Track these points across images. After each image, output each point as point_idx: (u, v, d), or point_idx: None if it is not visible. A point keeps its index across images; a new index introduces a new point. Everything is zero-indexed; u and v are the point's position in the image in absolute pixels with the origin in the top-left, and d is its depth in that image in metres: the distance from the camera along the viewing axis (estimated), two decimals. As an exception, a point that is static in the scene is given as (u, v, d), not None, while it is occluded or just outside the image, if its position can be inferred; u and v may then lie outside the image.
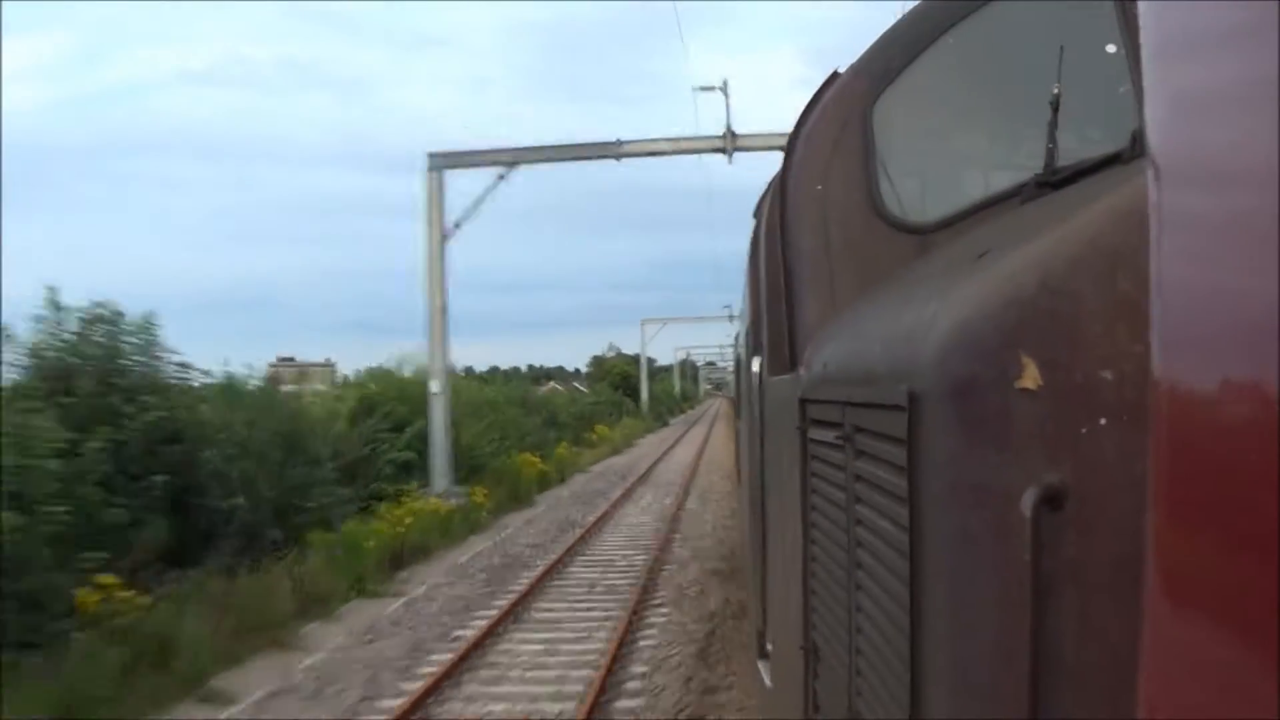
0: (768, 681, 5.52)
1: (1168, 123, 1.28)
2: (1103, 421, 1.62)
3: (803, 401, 3.41)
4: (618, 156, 27.32)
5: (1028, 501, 1.64)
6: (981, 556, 1.82)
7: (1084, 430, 1.64)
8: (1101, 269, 1.67)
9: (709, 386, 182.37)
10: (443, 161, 28.18)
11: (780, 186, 3.97)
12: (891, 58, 3.62)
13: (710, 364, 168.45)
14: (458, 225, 28.04)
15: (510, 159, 27.75)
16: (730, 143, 26.53)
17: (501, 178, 27.39)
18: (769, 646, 5.49)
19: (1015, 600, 1.68)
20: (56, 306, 16.83)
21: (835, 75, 3.96)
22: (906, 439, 2.08)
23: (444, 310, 28.51)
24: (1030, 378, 1.69)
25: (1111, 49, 2.66)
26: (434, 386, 28.27)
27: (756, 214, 5.58)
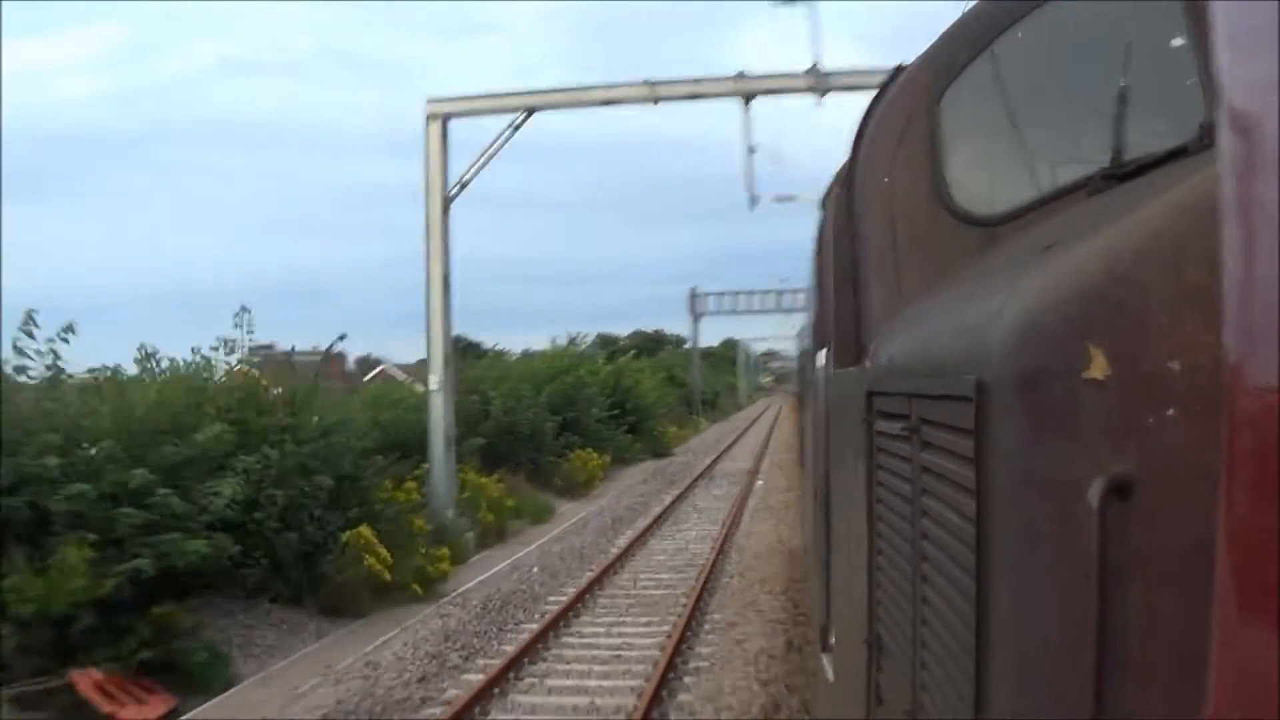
0: (830, 674, 5.53)
1: (1240, 112, 1.28)
2: (1170, 412, 1.61)
3: (869, 394, 3.42)
4: (655, 100, 22.91)
5: (1095, 492, 1.63)
6: (1048, 548, 1.82)
7: (1151, 421, 1.63)
8: (1168, 259, 1.67)
9: (768, 379, 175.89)
10: (446, 109, 23.57)
11: (847, 179, 3.98)
12: (958, 51, 3.61)
13: (770, 353, 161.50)
14: (463, 184, 23.46)
15: (526, 104, 23.27)
16: (820, 82, 22.06)
17: (516, 127, 23.08)
18: (831, 639, 5.50)
19: (1081, 593, 1.68)
20: None
21: (900, 69, 3.96)
22: (974, 430, 2.09)
23: (447, 284, 23.74)
24: (1098, 368, 1.69)
25: (1178, 41, 2.64)
26: (432, 381, 23.29)
27: (823, 206, 5.58)
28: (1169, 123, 2.68)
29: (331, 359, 28.96)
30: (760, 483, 34.93)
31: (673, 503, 30.10)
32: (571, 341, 51.32)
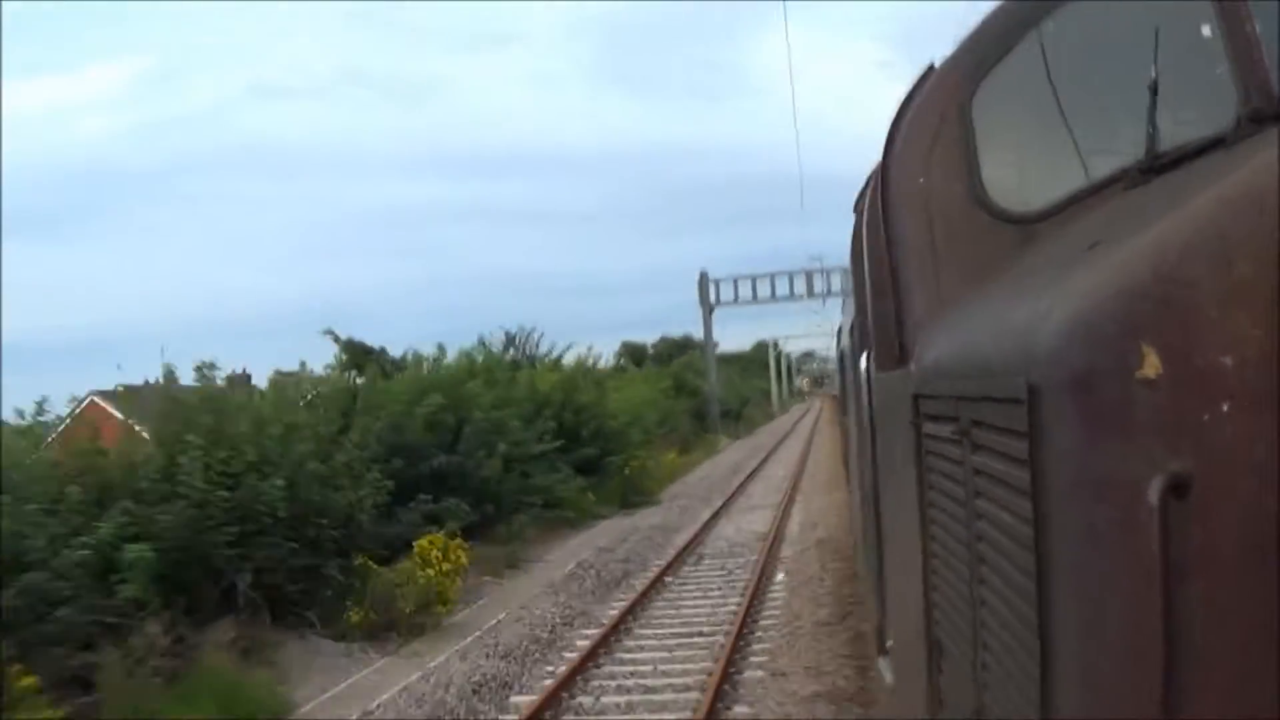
0: (888, 677, 5.51)
1: None
2: (1225, 407, 1.63)
3: (916, 396, 3.42)
4: None
5: (1154, 491, 1.64)
6: (1108, 548, 1.82)
7: (1206, 417, 1.64)
8: (1216, 254, 1.68)
9: (805, 381, 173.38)
10: None
11: (881, 180, 3.97)
12: (988, 47, 3.61)
13: (808, 354, 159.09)
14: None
15: None
16: None
17: None
18: (889, 643, 5.48)
19: (1145, 591, 1.68)
20: None
21: (931, 68, 3.96)
22: (1027, 432, 2.09)
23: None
24: (1150, 366, 1.70)
25: (1207, 31, 2.64)
26: None
27: (856, 209, 5.57)
28: (1200, 112, 2.68)
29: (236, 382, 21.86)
30: (781, 577, 18.73)
31: (573, 673, 13.07)
32: (511, 343, 37.25)
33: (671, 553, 21.97)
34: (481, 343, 35.09)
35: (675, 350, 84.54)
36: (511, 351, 37.12)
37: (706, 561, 21.27)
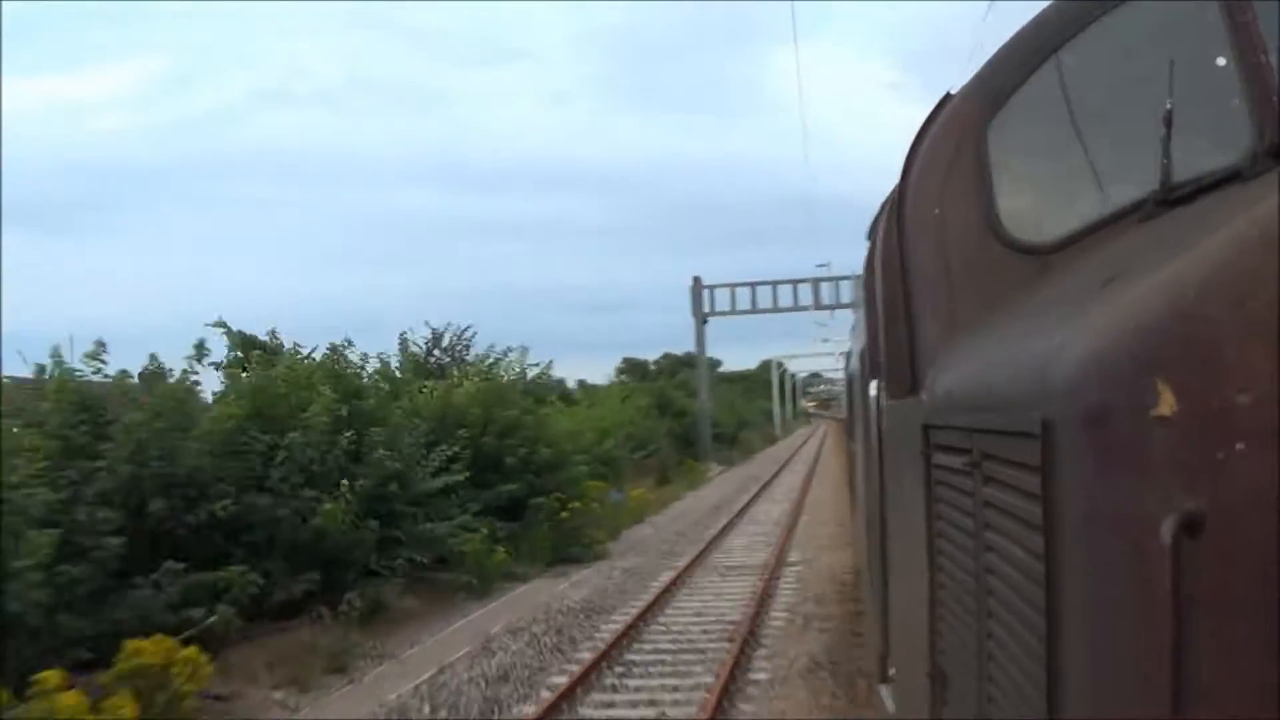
0: (890, 706, 5.49)
1: None
2: (1240, 446, 1.61)
3: (926, 426, 3.41)
4: None
5: (1167, 529, 1.63)
6: (1120, 585, 1.81)
7: (1221, 456, 1.63)
8: (1233, 292, 1.66)
9: (810, 405, 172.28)
10: None
11: (896, 208, 3.97)
12: (1005, 77, 3.61)
13: (815, 375, 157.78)
14: None
15: None
16: None
17: None
18: (891, 671, 5.46)
19: (1155, 628, 1.67)
20: None
21: (948, 97, 3.96)
22: (1040, 467, 2.08)
23: None
24: (1166, 404, 1.69)
25: (1222, 62, 2.63)
26: None
27: (870, 235, 5.57)
28: (1215, 144, 2.67)
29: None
30: None
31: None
32: (437, 343, 29.55)
33: (585, 657, 14.05)
34: (402, 342, 27.77)
35: (678, 367, 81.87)
36: (436, 353, 29.58)
37: (633, 684, 13.11)
